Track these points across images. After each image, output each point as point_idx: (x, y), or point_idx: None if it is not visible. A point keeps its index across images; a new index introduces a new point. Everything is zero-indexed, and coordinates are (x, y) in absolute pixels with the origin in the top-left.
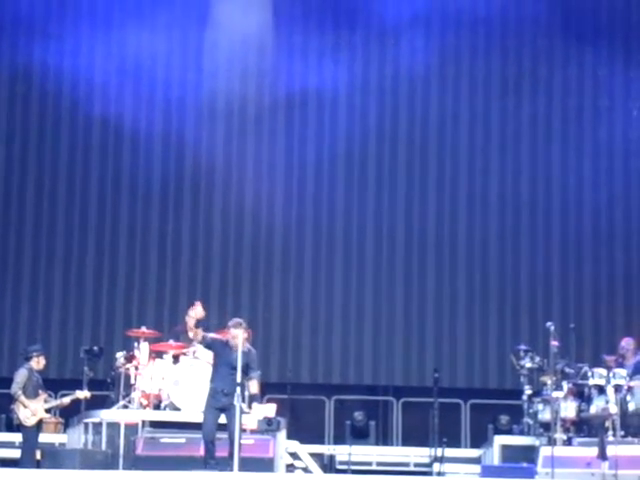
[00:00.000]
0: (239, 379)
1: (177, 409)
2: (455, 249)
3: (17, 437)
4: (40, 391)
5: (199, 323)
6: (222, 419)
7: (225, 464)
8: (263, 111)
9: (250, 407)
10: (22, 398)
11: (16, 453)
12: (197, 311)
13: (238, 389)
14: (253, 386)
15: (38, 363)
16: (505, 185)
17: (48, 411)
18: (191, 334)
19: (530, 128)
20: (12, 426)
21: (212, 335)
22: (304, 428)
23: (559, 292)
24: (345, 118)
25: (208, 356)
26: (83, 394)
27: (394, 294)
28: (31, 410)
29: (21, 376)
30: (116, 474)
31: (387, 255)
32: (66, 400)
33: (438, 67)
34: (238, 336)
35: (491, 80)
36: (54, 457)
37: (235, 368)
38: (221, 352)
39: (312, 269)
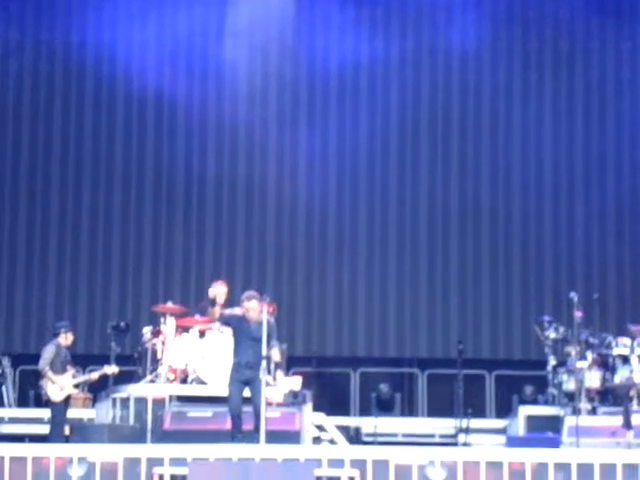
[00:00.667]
0: (264, 352)
1: (204, 383)
2: (478, 220)
3: (45, 413)
4: (68, 367)
5: (214, 303)
6: (247, 392)
7: (252, 437)
8: (285, 87)
9: (274, 376)
10: (50, 374)
11: (45, 429)
12: (216, 290)
13: (263, 362)
14: (275, 355)
15: (66, 339)
16: (527, 157)
17: (76, 387)
18: (217, 309)
19: (553, 102)
20: (40, 402)
21: (228, 311)
22: (330, 401)
23: (583, 262)
24: (367, 94)
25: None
26: (111, 369)
27: (418, 266)
28: (59, 386)
29: (49, 352)
30: (144, 448)
31: (410, 227)
32: (94, 375)
33: (460, 40)
34: (253, 308)
35: (513, 53)
36: (83, 432)
37: (255, 339)
38: (239, 326)
39: (335, 242)
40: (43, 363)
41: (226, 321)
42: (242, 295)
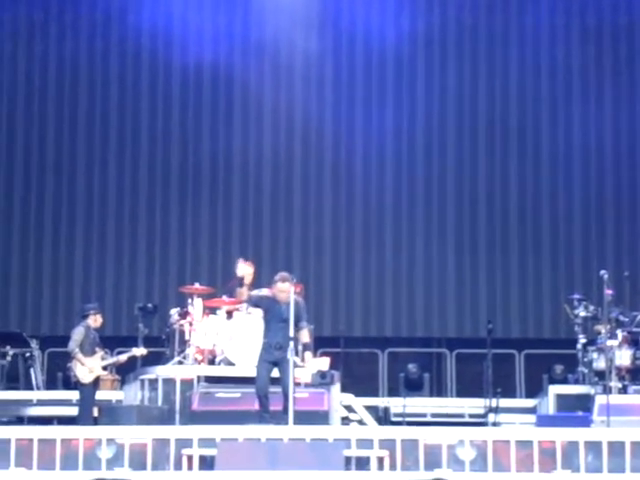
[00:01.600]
0: (292, 333)
1: (231, 364)
2: (507, 199)
3: (74, 395)
4: (97, 349)
5: (242, 282)
6: (275, 373)
7: (280, 418)
8: (311, 59)
9: (303, 358)
10: (79, 356)
11: (73, 411)
12: (242, 271)
13: (291, 343)
14: (304, 336)
15: (95, 321)
16: (555, 134)
17: (105, 368)
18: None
19: (581, 73)
20: (69, 384)
21: (257, 293)
22: (358, 381)
23: (613, 240)
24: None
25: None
26: (139, 351)
27: (446, 245)
28: (88, 367)
29: (78, 334)
30: (173, 429)
31: (438, 206)
32: (123, 357)
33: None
34: (285, 290)
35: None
36: (111, 414)
37: (285, 321)
38: (270, 307)
39: (363, 222)
40: (72, 345)
41: (256, 303)
42: (275, 276)
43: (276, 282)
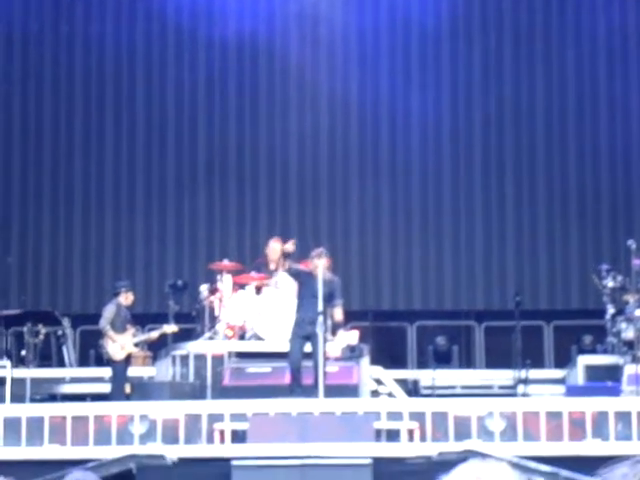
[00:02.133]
0: (320, 307)
1: (261, 339)
2: (534, 169)
3: (106, 372)
4: (128, 326)
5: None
6: (308, 348)
7: (310, 391)
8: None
9: (334, 335)
10: (111, 333)
11: (106, 388)
12: (269, 248)
13: (320, 317)
14: (337, 314)
15: (127, 298)
16: (582, 100)
17: (136, 345)
18: (272, 266)
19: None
20: (101, 361)
21: (297, 265)
22: (387, 355)
23: None
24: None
25: (289, 287)
26: (170, 328)
27: (473, 217)
28: (120, 344)
29: (109, 311)
30: (205, 404)
31: (465, 177)
32: (154, 334)
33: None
34: (322, 266)
35: None
36: (143, 390)
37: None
38: (306, 282)
39: (389, 194)
40: (104, 322)
41: (294, 274)
42: (312, 252)
43: (313, 257)
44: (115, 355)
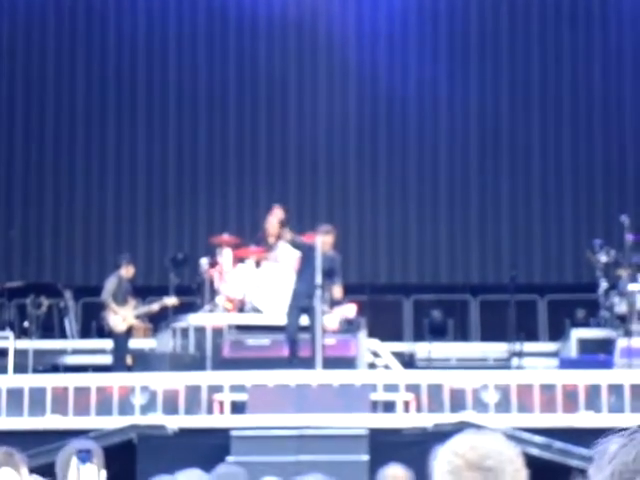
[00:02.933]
0: (319, 280)
1: (260, 312)
2: (530, 145)
3: (108, 344)
4: (129, 298)
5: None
6: (304, 320)
7: (308, 363)
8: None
9: (331, 310)
10: (112, 305)
11: (107, 359)
12: (277, 214)
13: (319, 291)
14: (337, 291)
15: (127, 271)
16: (576, 79)
17: (137, 317)
18: (271, 240)
19: None
20: (103, 333)
21: (301, 238)
22: (383, 328)
23: (634, 185)
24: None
25: (289, 260)
26: (171, 301)
27: (469, 191)
28: (121, 316)
29: (111, 284)
30: (204, 375)
31: (460, 152)
32: (155, 306)
33: None
34: (327, 242)
35: None
36: (144, 361)
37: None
38: (308, 255)
39: (386, 168)
40: (106, 294)
41: (297, 245)
42: (320, 227)
43: (320, 232)
44: (117, 327)
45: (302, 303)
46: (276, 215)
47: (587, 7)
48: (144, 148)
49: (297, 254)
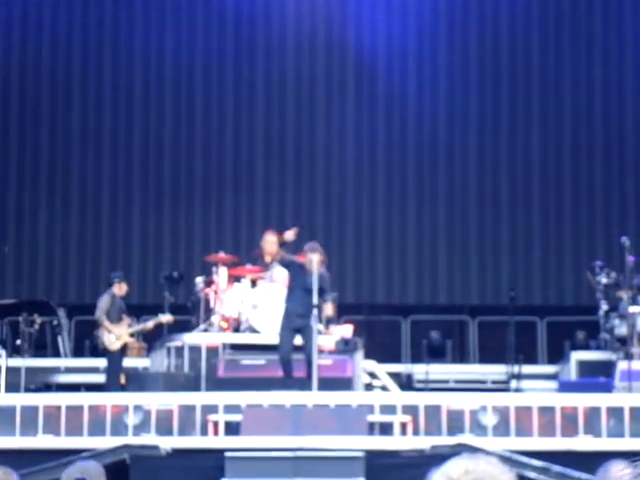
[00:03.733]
0: (315, 301)
1: (256, 332)
2: (529, 166)
3: (101, 362)
4: (123, 316)
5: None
6: (299, 340)
7: (304, 384)
8: None
9: (327, 329)
10: (106, 323)
11: (100, 378)
12: (264, 240)
13: (315, 311)
14: (329, 308)
15: (120, 289)
16: (578, 98)
17: (132, 335)
18: (268, 259)
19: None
20: (96, 352)
21: (291, 257)
22: (381, 348)
23: (634, 206)
24: None
25: (284, 280)
26: (166, 318)
27: (468, 212)
28: (115, 335)
29: (104, 302)
30: (199, 395)
31: (460, 173)
32: (149, 324)
33: None
34: (313, 260)
35: None
36: (138, 381)
37: (309, 291)
38: (297, 274)
39: (385, 189)
40: (99, 313)
41: (286, 264)
42: (305, 246)
43: (305, 252)
44: (111, 345)
45: (294, 323)
46: (275, 237)
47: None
48: (139, 165)
49: (287, 273)
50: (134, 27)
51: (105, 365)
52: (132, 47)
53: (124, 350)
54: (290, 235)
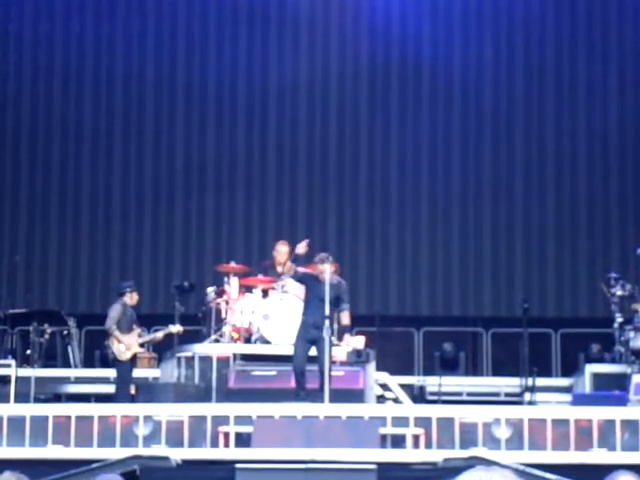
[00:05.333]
0: (327, 311)
1: (267, 342)
2: (544, 176)
3: (111, 373)
4: (134, 326)
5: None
6: (313, 351)
7: (316, 396)
8: None
9: (341, 339)
10: (116, 333)
11: (110, 388)
12: (277, 250)
13: (327, 322)
14: (344, 318)
15: (131, 298)
16: (592, 108)
17: (142, 345)
18: (279, 269)
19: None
20: (106, 362)
21: (303, 269)
22: (393, 360)
23: None
24: None
25: (296, 290)
26: (176, 329)
27: (482, 223)
28: (125, 345)
29: (115, 311)
30: (209, 406)
31: (474, 184)
32: (159, 335)
33: None
34: (325, 270)
35: None
36: (148, 391)
37: (324, 300)
38: (312, 286)
39: (398, 199)
40: (110, 322)
41: (300, 278)
42: (314, 258)
43: (315, 263)
44: (121, 355)
45: (310, 335)
46: (287, 247)
47: None
48: (150, 174)
49: (302, 286)
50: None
51: (115, 375)
52: (144, 51)
53: (134, 360)
54: (302, 248)
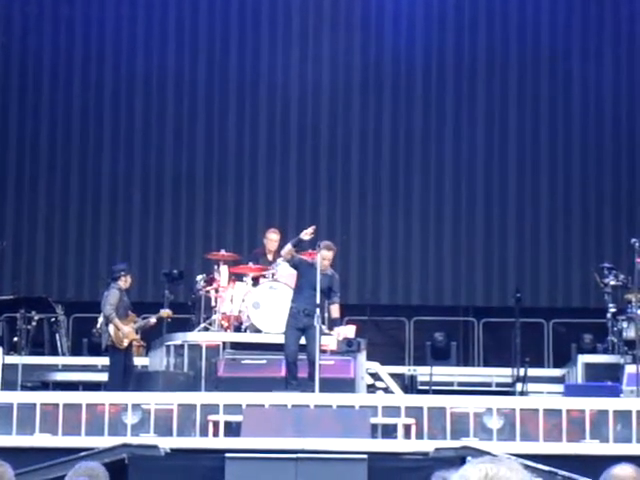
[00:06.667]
0: (318, 300)
1: (257, 331)
2: (537, 166)
3: (99, 360)
4: (129, 312)
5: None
6: (302, 340)
7: (306, 385)
8: None
9: (330, 330)
10: (116, 320)
11: (98, 376)
12: (267, 238)
13: (317, 310)
14: (334, 310)
15: (126, 282)
16: (587, 99)
17: (136, 332)
18: (270, 257)
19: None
20: (94, 349)
21: (299, 256)
22: (384, 349)
23: None
24: None
25: (287, 278)
26: (166, 312)
27: (474, 212)
28: (124, 333)
29: (114, 297)
30: (199, 395)
31: (466, 173)
32: (152, 320)
33: None
34: (328, 258)
35: None
36: (138, 379)
37: (317, 289)
38: (306, 273)
39: (389, 188)
40: (109, 309)
41: (295, 264)
42: (320, 243)
43: (321, 249)
44: (119, 343)
45: (300, 322)
46: (278, 235)
47: None
48: (139, 162)
49: (293, 272)
50: (135, 27)
51: (106, 363)
52: (135, 47)
53: (130, 348)
54: (307, 234)
